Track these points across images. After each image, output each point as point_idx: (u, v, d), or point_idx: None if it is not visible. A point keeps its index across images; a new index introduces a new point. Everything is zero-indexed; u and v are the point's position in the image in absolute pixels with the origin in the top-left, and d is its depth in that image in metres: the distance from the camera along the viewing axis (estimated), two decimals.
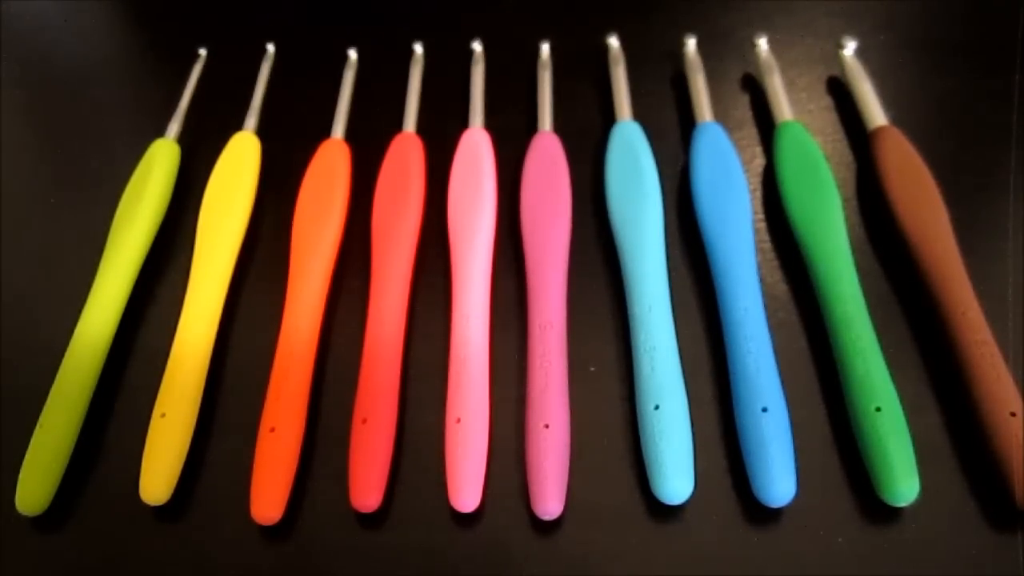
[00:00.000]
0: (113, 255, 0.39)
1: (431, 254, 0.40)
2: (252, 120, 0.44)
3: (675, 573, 0.30)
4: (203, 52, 0.49)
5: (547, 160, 0.41)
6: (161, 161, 0.43)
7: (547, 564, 0.31)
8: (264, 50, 0.49)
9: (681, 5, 0.52)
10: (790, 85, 0.44)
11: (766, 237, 0.39)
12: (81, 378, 0.35)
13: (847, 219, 0.37)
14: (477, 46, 0.47)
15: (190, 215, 0.41)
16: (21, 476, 0.32)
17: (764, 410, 0.31)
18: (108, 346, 0.36)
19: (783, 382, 0.32)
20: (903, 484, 0.29)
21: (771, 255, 0.38)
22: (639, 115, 0.42)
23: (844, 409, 0.32)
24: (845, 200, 0.39)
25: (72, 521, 0.33)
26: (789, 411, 0.31)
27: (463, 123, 0.43)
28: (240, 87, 0.46)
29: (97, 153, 0.47)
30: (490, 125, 0.43)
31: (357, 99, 0.46)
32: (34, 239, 0.44)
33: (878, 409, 0.30)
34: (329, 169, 0.42)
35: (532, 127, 0.43)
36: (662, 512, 0.31)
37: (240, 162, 0.42)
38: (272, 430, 0.32)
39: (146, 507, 0.32)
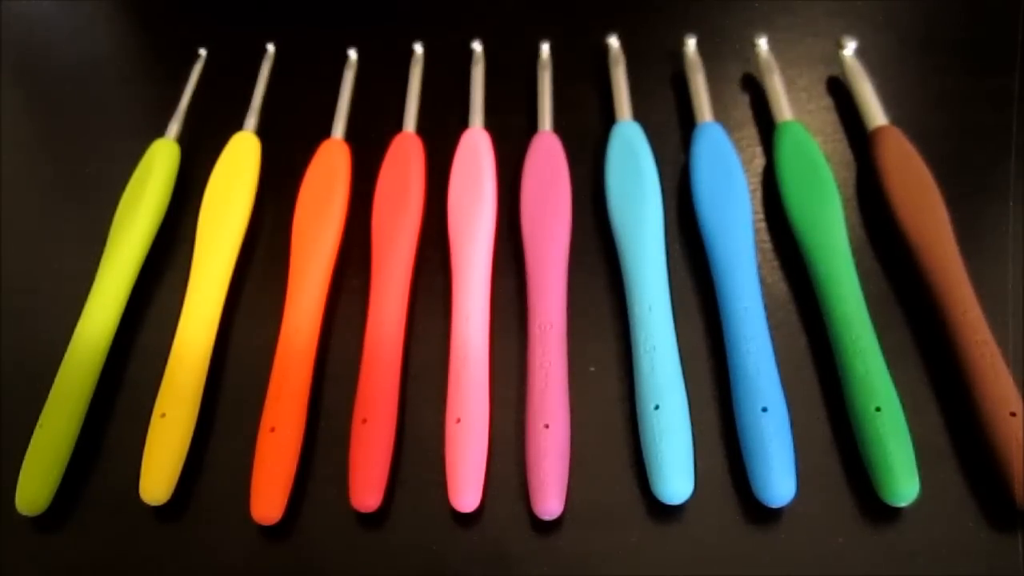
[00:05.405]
0: (113, 255, 0.39)
1: (431, 254, 0.40)
2: (252, 120, 0.44)
3: (675, 573, 0.30)
4: (203, 52, 0.49)
5: (547, 160, 0.41)
6: (161, 161, 0.43)
7: (547, 564, 0.31)
8: (264, 50, 0.49)
9: (681, 5, 0.52)
10: (790, 85, 0.44)
11: (766, 237, 0.39)
12: (81, 378, 0.35)
13: (847, 219, 0.37)
14: (477, 46, 0.47)
15: (190, 215, 0.41)
16: (21, 476, 0.32)
17: (764, 410, 0.31)
18: (108, 346, 0.36)
19: (783, 382, 0.32)
20: (903, 484, 0.29)
21: (771, 255, 0.38)
22: (639, 115, 0.42)
23: (844, 409, 0.32)
24: (845, 200, 0.39)
25: (72, 521, 0.33)
26: (789, 411, 0.31)
27: (463, 123, 0.43)
28: (240, 87, 0.46)
29: (97, 153, 0.47)
30: (490, 125, 0.43)
31: (357, 99, 0.46)
32: (34, 239, 0.44)
33: (878, 409, 0.30)
34: (329, 169, 0.42)
35: (532, 127, 0.43)
36: (662, 512, 0.31)
37: (240, 162, 0.42)
38: (272, 430, 0.32)
39: (146, 507, 0.32)
